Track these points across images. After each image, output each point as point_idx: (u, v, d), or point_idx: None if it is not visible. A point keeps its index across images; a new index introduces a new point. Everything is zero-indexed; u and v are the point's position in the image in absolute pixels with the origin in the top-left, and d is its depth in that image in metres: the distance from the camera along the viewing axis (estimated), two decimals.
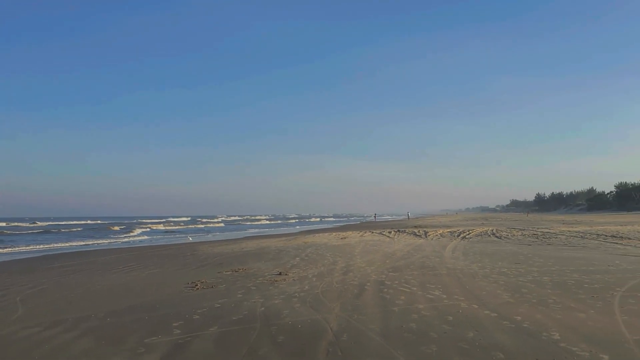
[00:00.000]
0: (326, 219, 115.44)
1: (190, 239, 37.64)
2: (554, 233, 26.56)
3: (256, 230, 57.12)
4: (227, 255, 18.45)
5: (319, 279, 11.33)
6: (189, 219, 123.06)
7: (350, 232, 33.12)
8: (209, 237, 40.74)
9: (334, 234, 32.54)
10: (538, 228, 32.85)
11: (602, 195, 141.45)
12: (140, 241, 36.03)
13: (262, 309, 8.27)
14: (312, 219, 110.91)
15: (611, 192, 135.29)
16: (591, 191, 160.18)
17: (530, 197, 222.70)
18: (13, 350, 6.24)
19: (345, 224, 72.42)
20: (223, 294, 9.83)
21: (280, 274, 12.48)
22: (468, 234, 26.89)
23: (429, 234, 27.95)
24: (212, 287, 10.88)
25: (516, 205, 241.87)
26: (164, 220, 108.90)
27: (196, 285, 11.15)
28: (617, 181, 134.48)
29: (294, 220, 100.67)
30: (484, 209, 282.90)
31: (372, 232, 31.63)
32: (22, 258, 22.25)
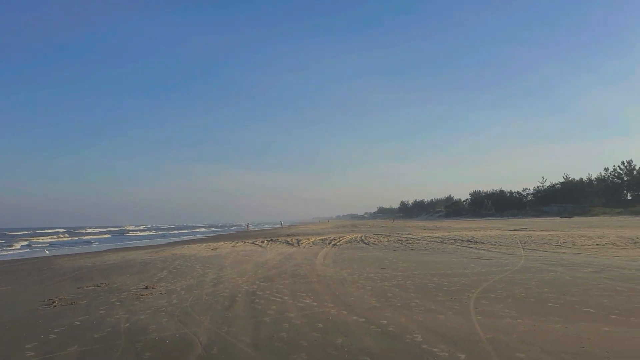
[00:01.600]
0: (200, 230, 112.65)
1: (47, 252, 34.87)
2: (416, 238, 28.07)
3: (143, 241, 54.30)
4: (89, 269, 17.32)
5: (188, 292, 10.98)
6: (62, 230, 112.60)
7: (222, 243, 32.61)
8: (75, 249, 38.04)
9: (204, 244, 31.84)
10: (402, 234, 34.55)
11: (459, 202, 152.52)
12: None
13: (127, 324, 7.83)
14: (185, 230, 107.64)
15: (467, 199, 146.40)
16: (449, 199, 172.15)
17: (396, 205, 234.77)
18: None
19: (218, 234, 71.20)
20: (84, 311, 9.19)
21: (146, 287, 11.93)
22: (338, 242, 27.59)
23: (301, 242, 28.30)
24: (72, 303, 10.13)
25: (383, 213, 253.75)
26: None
27: (53, 302, 10.31)
28: (471, 189, 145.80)
29: (176, 231, 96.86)
30: (354, 217, 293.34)
31: (245, 242, 31.40)
32: None
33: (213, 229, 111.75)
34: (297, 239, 31.40)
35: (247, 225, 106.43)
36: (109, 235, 75.79)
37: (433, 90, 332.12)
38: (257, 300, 9.57)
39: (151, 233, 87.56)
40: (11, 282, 14.44)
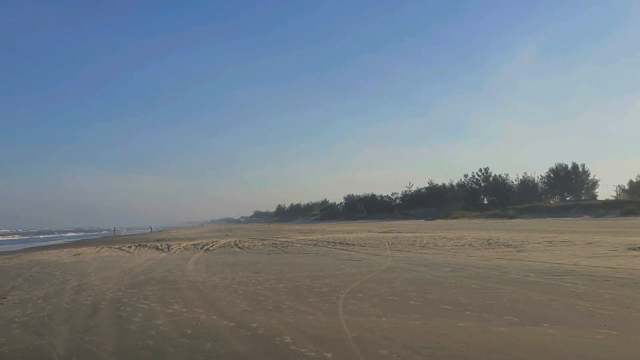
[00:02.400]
0: (70, 234, 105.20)
1: None
2: (291, 242, 28.39)
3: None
4: None
5: (46, 301, 10.22)
6: None
7: (86, 248, 30.74)
8: None
9: (66, 250, 29.82)
10: (277, 237, 34.77)
11: (333, 206, 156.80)
12: None
13: None
14: (53, 234, 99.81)
15: (341, 203, 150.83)
16: (325, 202, 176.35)
17: (273, 208, 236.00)
18: None
19: (83, 239, 67.04)
20: None
21: None
22: (212, 246, 27.12)
23: (172, 247, 27.45)
24: None
25: (259, 216, 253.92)
26: None
27: None
28: (346, 193, 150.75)
29: (42, 236, 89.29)
30: (229, 221, 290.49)
31: (111, 247, 29.84)
32: None
33: (82, 233, 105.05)
34: (167, 244, 30.42)
35: (114, 230, 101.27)
36: None
37: (311, 97, 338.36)
38: (122, 308, 9.14)
39: (13, 238, 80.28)
40: None
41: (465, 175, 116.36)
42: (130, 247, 29.40)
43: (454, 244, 21.84)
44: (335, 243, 25.44)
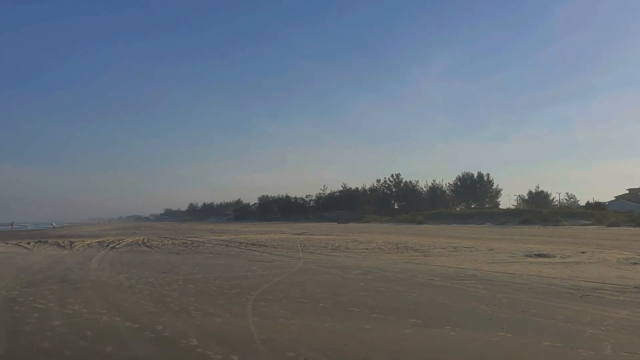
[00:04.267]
0: None
1: None
2: (202, 242, 27.89)
3: None
4: None
5: None
6: None
7: None
8: None
9: None
10: (188, 237, 34.07)
11: (247, 206, 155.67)
12: None
13: None
14: None
15: (255, 203, 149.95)
16: (238, 202, 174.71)
17: (184, 207, 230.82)
18: None
19: None
20: None
21: None
22: (118, 244, 26.13)
23: (74, 244, 26.20)
24: None
25: (170, 215, 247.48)
26: None
27: None
28: (260, 194, 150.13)
29: None
30: (138, 218, 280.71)
31: (7, 243, 28.05)
32: None
33: None
34: (70, 241, 29.01)
35: (12, 225, 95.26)
36: None
37: (231, 97, 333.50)
38: (16, 308, 8.60)
39: None
40: None
41: (378, 180, 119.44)
42: (29, 243, 27.79)
43: (365, 248, 22.28)
44: (247, 244, 25.25)
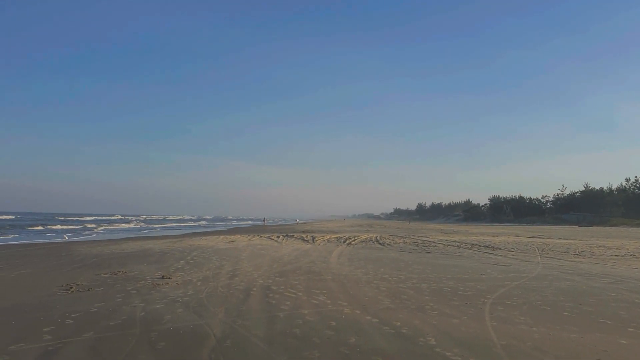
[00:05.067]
0: (214, 222, 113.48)
1: (67, 237, 35.41)
2: (432, 242, 27.95)
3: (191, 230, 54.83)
4: (107, 257, 17.55)
5: (204, 283, 11.07)
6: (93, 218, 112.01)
7: (239, 236, 32.81)
8: (90, 237, 38.59)
9: (221, 237, 32.07)
10: (418, 236, 34.43)
11: (477, 207, 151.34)
12: (14, 238, 33.38)
13: (142, 313, 7.93)
14: (201, 222, 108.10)
15: (485, 204, 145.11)
16: (468, 203, 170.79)
17: (412, 206, 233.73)
18: None
19: (233, 227, 71.61)
20: (100, 298, 9.32)
21: (163, 277, 12.06)
22: (354, 240, 27.58)
23: (316, 239, 28.35)
24: (89, 289, 10.28)
25: (399, 214, 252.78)
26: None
27: (71, 287, 10.47)
28: (491, 194, 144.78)
29: (187, 224, 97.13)
30: (370, 216, 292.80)
31: (261, 237, 31.54)
32: None
33: (237, 222, 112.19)
34: (312, 236, 31.46)
35: (264, 220, 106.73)
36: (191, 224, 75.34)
37: (449, 93, 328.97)
38: (271, 295, 9.62)
39: (196, 224, 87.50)
40: (31, 266, 14.70)
41: (627, 180, 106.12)
42: (278, 237, 30.85)
43: (613, 254, 20.07)
44: (480, 246, 24.58)
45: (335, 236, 31.93)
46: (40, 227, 53.94)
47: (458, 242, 27.92)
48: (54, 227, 55.23)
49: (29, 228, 52.26)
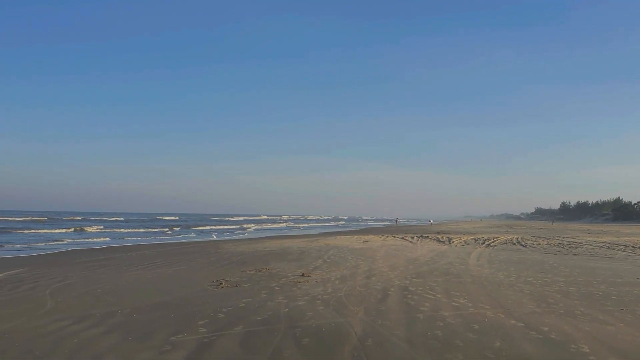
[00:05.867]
0: (350, 222, 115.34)
1: (215, 236, 37.94)
2: (579, 243, 26.14)
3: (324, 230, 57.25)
4: (250, 255, 18.54)
5: (342, 282, 11.31)
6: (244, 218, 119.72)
7: (372, 236, 33.04)
8: (236, 236, 41.01)
9: (355, 236, 32.50)
10: (563, 237, 32.38)
11: (628, 205, 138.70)
12: (169, 238, 36.44)
13: (286, 309, 8.29)
14: (333, 223, 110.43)
15: (638, 202, 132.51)
16: (617, 201, 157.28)
17: (555, 206, 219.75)
18: (43, 343, 6.34)
19: (365, 227, 72.22)
20: (247, 294, 9.87)
21: (303, 275, 12.50)
22: (493, 242, 26.60)
23: (452, 240, 27.72)
24: (237, 285, 10.94)
25: (541, 214, 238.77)
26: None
27: (221, 283, 11.22)
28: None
29: (326, 224, 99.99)
30: (509, 217, 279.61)
31: (394, 237, 31.50)
32: (56, 252, 22.68)
33: (374, 223, 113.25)
34: (448, 237, 30.81)
35: (396, 220, 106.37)
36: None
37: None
38: (409, 296, 9.58)
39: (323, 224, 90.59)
40: (186, 263, 15.94)
41: None
42: (412, 237, 30.63)
43: None
44: (634, 247, 22.56)
45: (473, 237, 31.00)
46: (202, 227, 58.87)
47: (608, 243, 25.84)
48: (215, 228, 59.91)
49: (193, 228, 57.85)
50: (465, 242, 26.03)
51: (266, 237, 35.54)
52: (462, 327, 7.10)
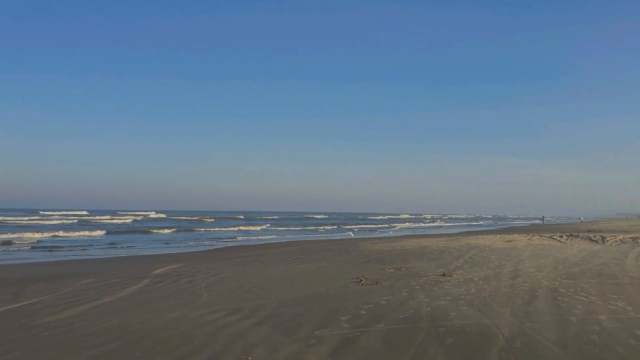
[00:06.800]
0: (494, 221, 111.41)
1: (352, 234, 38.57)
2: None
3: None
4: (388, 253, 18.61)
5: (486, 282, 10.98)
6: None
7: (516, 235, 31.55)
8: (374, 234, 41.39)
9: (498, 236, 31.24)
10: None
11: None
12: (320, 236, 37.73)
13: (428, 309, 8.23)
14: (476, 222, 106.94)
15: None
16: None
17: None
18: (202, 333, 6.89)
19: (509, 226, 69.13)
20: (387, 291, 9.95)
21: (444, 274, 12.31)
22: None
23: (606, 239, 25.66)
24: (377, 283, 11.06)
25: None
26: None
27: (361, 280, 11.42)
28: None
29: (470, 223, 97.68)
30: None
31: (541, 236, 29.81)
32: (212, 249, 24.55)
33: (520, 222, 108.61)
34: (601, 236, 28.56)
35: (542, 219, 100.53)
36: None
37: None
38: (559, 298, 9.08)
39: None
40: (327, 259, 16.42)
41: None
42: (561, 236, 28.82)
43: None
44: None
45: (630, 236, 28.43)
46: (351, 227, 60.61)
47: None
48: (365, 226, 61.70)
49: (343, 227, 60.08)
50: (621, 241, 23.97)
51: (403, 236, 35.39)
52: (621, 332, 6.60)
